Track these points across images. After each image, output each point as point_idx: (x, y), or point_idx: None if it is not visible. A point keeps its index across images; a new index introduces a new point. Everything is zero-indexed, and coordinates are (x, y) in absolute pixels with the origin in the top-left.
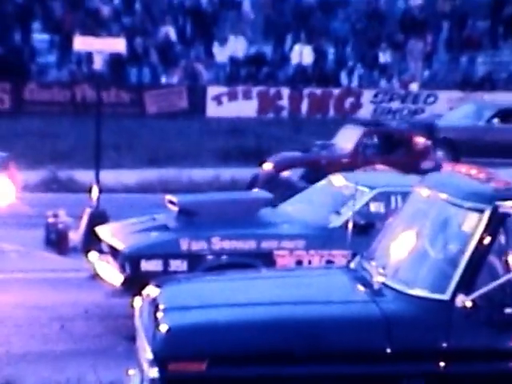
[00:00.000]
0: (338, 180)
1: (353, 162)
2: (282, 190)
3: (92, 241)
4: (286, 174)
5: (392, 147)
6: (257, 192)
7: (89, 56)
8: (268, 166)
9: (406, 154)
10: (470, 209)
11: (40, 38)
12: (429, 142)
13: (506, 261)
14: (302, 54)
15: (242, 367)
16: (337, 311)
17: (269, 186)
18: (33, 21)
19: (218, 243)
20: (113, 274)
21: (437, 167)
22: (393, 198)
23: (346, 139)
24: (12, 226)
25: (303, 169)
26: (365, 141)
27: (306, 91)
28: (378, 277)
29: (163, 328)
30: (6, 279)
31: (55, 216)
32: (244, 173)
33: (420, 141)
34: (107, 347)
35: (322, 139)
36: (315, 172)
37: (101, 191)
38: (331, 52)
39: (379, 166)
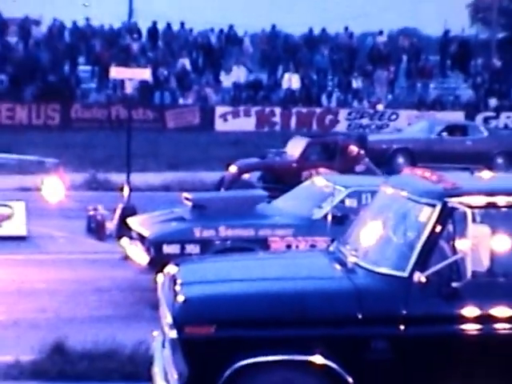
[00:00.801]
0: (319, 181)
1: (300, 167)
2: (244, 189)
3: (124, 229)
4: (246, 175)
5: (331, 154)
6: (255, 191)
7: (122, 83)
8: (233, 169)
9: (342, 160)
10: (424, 204)
11: (83, 69)
12: (361, 151)
13: (453, 245)
14: (291, 81)
15: (242, 330)
16: (318, 285)
17: (233, 185)
18: (78, 56)
19: (223, 231)
20: (140, 256)
21: (367, 170)
22: (363, 195)
23: (295, 148)
24: (60, 217)
25: (261, 172)
26: (309, 149)
27: (294, 110)
28: (351, 258)
29: (180, 298)
30: (55, 259)
31: (95, 209)
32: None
33: (353, 149)
34: (136, 314)
35: None
36: (270, 174)
37: (131, 190)
38: (314, 79)
39: (322, 170)
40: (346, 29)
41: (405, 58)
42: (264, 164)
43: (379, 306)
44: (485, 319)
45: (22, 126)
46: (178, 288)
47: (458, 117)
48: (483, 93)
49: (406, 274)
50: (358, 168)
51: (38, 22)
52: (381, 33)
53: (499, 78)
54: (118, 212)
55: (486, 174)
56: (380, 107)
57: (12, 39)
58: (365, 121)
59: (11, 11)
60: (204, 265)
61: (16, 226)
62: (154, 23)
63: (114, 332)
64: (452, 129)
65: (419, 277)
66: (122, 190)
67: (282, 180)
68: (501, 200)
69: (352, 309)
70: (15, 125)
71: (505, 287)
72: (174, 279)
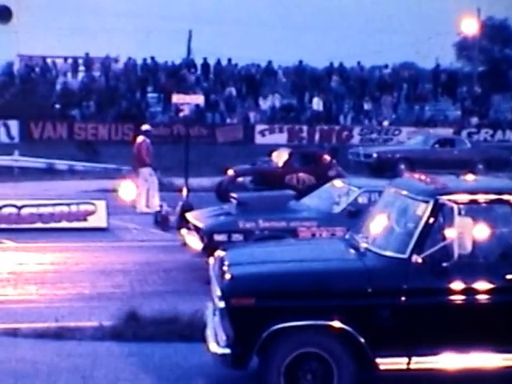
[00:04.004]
0: (338, 183)
1: (284, 172)
2: (239, 190)
3: (183, 222)
4: (241, 179)
5: (309, 162)
6: (286, 191)
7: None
8: (230, 173)
9: (318, 166)
10: (420, 201)
11: (151, 96)
12: (333, 159)
13: (443, 233)
14: (316, 104)
15: (276, 301)
16: (337, 265)
17: (230, 186)
18: (147, 86)
19: (262, 223)
20: (196, 243)
21: (338, 175)
22: (372, 194)
23: (279, 157)
24: (133, 212)
25: (252, 176)
26: (292, 158)
27: (318, 127)
28: (362, 244)
29: (228, 276)
30: (129, 246)
31: (160, 206)
32: None
33: (327, 158)
34: (192, 288)
35: None
36: (260, 178)
37: (188, 191)
38: (334, 103)
39: (301, 174)
40: (359, 63)
41: (405, 86)
42: (255, 169)
43: (385, 281)
44: (468, 291)
45: (103, 141)
46: (225, 268)
47: (447, 132)
48: (467, 113)
49: (406, 256)
50: (331, 173)
51: (116, 60)
52: (386, 66)
53: (479, 102)
54: (179, 208)
55: (468, 177)
56: (386, 124)
57: (96, 73)
58: (374, 135)
59: (96, 51)
60: (246, 250)
61: (99, 220)
62: (206, 59)
63: (175, 303)
64: (442, 142)
65: (416, 258)
66: (181, 191)
67: (269, 182)
68: (480, 197)
69: (363, 284)
70: (98, 140)
71: (483, 266)
72: (222, 261)
